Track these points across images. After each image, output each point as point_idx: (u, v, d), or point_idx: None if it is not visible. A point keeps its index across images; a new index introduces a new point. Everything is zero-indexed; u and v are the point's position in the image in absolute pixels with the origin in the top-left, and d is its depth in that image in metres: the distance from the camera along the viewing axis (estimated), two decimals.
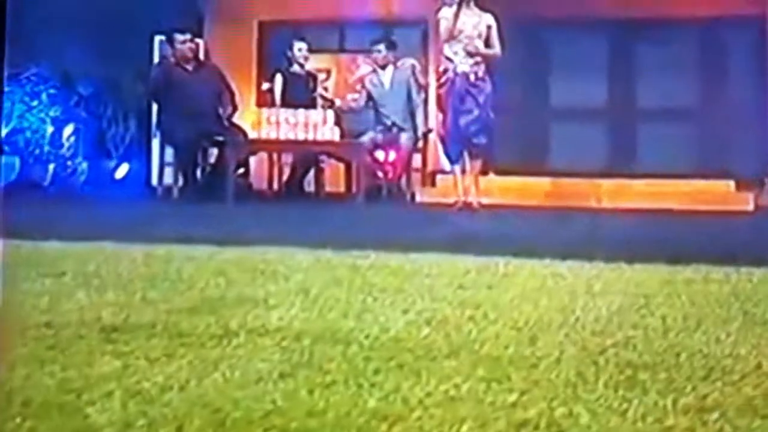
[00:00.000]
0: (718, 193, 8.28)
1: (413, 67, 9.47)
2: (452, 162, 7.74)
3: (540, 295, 2.71)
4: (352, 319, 2.25)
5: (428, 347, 1.95)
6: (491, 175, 9.05)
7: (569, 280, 3.01)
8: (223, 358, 1.79)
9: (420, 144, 9.35)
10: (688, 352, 1.92)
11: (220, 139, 8.68)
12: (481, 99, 7.43)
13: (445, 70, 7.51)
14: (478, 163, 7.67)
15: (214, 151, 9.07)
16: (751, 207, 8.08)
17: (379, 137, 9.04)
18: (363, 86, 9.35)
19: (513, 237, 4.85)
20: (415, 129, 9.13)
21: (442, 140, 7.84)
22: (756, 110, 9.36)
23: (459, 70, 7.42)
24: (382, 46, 9.12)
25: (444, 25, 7.50)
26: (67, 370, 1.66)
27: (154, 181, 10.75)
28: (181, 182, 8.97)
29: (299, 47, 9.17)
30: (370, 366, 1.76)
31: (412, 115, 9.12)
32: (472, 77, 7.42)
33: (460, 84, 7.40)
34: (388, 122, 9.05)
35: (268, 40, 11.55)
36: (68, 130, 11.27)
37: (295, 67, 9.16)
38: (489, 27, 7.52)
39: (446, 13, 7.53)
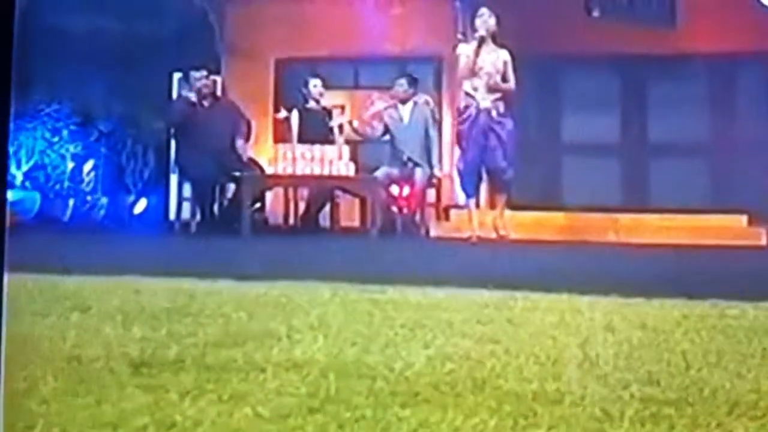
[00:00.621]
0: (730, 228, 8.26)
1: (428, 102, 9.50)
2: (469, 196, 7.77)
3: (559, 330, 2.71)
4: (375, 354, 2.25)
5: (453, 382, 1.95)
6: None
7: (587, 315, 3.01)
8: (252, 393, 1.80)
9: (434, 179, 9.37)
10: (711, 388, 1.92)
11: (237, 174, 8.73)
12: (504, 135, 7.51)
13: (467, 107, 7.57)
14: (503, 198, 7.71)
15: (231, 186, 9.12)
16: (763, 242, 8.06)
17: (395, 172, 9.07)
18: (381, 119, 9.39)
19: (529, 271, 4.85)
20: (430, 164, 9.16)
21: (460, 175, 7.87)
22: (766, 145, 9.37)
23: (482, 106, 7.49)
24: (404, 81, 9.20)
25: (464, 62, 7.57)
26: (101, 404, 1.67)
27: (172, 215, 10.83)
28: (198, 217, 9.01)
29: (314, 84, 9.26)
30: (397, 401, 1.76)
31: (428, 151, 9.16)
32: (494, 113, 7.50)
33: (484, 120, 7.47)
34: (404, 157, 9.09)
35: (285, 76, 11.64)
36: (88, 165, 11.36)
37: (311, 103, 9.23)
38: (505, 63, 7.60)
39: (465, 50, 7.60)
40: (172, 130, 9.14)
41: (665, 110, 9.80)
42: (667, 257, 6.64)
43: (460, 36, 10.38)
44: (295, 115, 9.22)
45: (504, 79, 7.62)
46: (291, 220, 9.48)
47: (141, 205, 11.56)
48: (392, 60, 11.22)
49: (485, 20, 7.55)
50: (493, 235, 7.63)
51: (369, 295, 3.37)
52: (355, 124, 9.53)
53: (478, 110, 7.51)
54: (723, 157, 9.66)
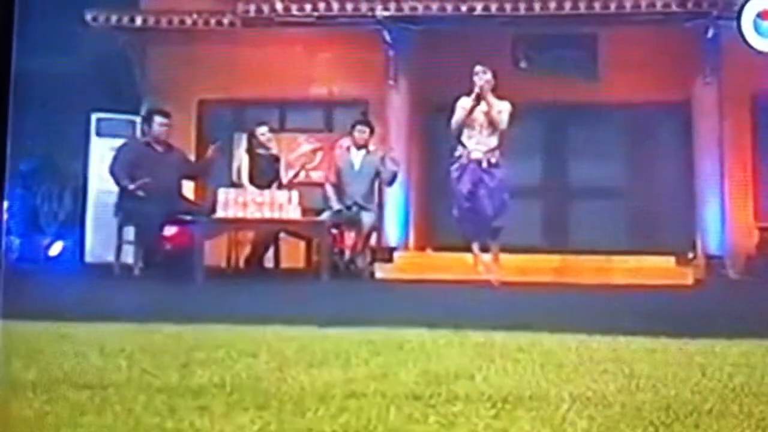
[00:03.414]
0: (662, 269, 9.24)
1: (383, 156, 10.03)
2: (472, 241, 8.39)
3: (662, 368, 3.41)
4: (546, 387, 2.88)
5: (637, 408, 2.61)
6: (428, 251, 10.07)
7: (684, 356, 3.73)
8: (516, 420, 2.42)
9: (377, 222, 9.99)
10: None
11: (188, 218, 9.11)
12: (492, 184, 8.20)
13: (459, 156, 8.26)
14: (497, 245, 8.36)
15: (172, 230, 9.48)
16: (690, 281, 9.07)
17: (340, 215, 9.60)
18: (332, 162, 9.96)
19: (563, 315, 5.57)
20: (375, 208, 9.77)
21: (459, 222, 8.43)
22: (682, 189, 10.56)
23: (473, 156, 8.20)
24: (366, 129, 9.78)
25: (460, 114, 8.26)
26: (453, 428, 2.28)
27: (88, 257, 11.12)
28: (141, 262, 9.31)
29: (262, 131, 9.74)
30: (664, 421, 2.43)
31: (374, 196, 9.76)
32: (484, 164, 8.21)
33: (473, 170, 8.17)
34: (350, 201, 9.64)
35: (208, 118, 12.11)
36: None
37: (260, 150, 9.71)
38: (500, 111, 8.31)
39: (464, 103, 8.30)
40: (121, 173, 9.29)
41: (591, 156, 10.88)
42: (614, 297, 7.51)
43: (391, 82, 11.18)
44: (245, 161, 9.68)
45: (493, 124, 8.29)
46: (232, 263, 9.90)
47: (57, 248, 11.74)
48: (318, 103, 11.90)
49: (481, 77, 8.26)
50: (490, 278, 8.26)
51: (469, 338, 3.99)
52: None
53: (469, 160, 8.22)
54: (646, 201, 10.81)
